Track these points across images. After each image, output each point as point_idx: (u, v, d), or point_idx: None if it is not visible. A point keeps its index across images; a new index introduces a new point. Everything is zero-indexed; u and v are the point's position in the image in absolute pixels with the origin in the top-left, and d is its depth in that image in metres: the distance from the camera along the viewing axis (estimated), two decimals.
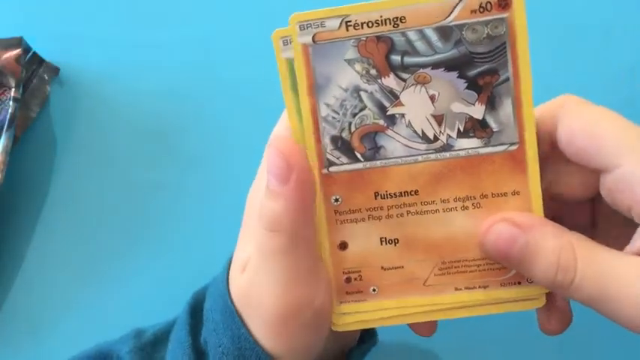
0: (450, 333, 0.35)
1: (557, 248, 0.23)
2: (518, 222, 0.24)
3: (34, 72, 0.41)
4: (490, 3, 0.23)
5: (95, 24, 0.42)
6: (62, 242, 0.39)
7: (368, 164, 0.25)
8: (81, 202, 0.40)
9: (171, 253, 0.39)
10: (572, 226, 0.24)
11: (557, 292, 0.24)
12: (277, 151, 0.24)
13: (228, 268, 0.27)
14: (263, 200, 0.24)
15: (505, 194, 0.25)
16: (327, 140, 0.25)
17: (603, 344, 0.35)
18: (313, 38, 0.24)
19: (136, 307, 0.37)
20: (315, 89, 0.24)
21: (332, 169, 0.25)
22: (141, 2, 0.42)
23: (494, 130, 0.24)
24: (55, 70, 0.42)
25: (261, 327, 0.25)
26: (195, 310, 0.28)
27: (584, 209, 0.27)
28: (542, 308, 0.26)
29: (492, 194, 0.25)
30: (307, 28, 0.24)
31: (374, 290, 0.26)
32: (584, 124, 0.23)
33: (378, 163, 0.25)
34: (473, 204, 0.25)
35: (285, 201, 0.24)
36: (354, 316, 0.26)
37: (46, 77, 0.41)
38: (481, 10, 0.23)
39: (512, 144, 0.24)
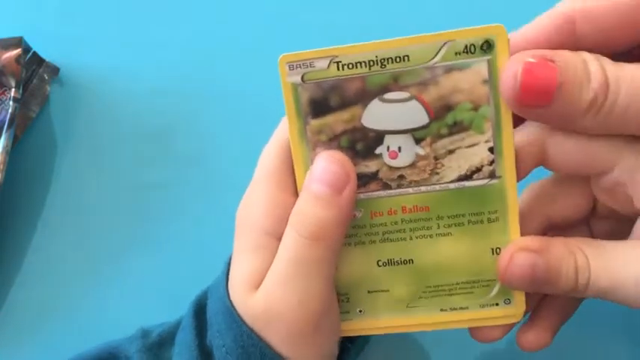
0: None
1: (572, 256, 0.24)
2: (533, 247, 0.24)
3: (34, 72, 0.41)
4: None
5: (95, 24, 0.42)
6: (62, 242, 0.39)
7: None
8: (81, 202, 0.40)
9: (171, 252, 0.39)
10: None
11: (576, 295, 0.24)
12: (335, 159, 0.24)
13: (228, 270, 0.27)
14: (306, 208, 0.24)
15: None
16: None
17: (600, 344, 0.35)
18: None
19: (135, 306, 0.37)
20: None
21: None
22: (140, 2, 0.42)
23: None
24: (55, 70, 0.41)
25: (285, 339, 0.25)
26: (199, 313, 0.29)
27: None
28: (524, 326, 0.28)
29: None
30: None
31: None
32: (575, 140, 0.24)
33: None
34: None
35: (338, 210, 0.24)
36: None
37: (46, 77, 0.41)
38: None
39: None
